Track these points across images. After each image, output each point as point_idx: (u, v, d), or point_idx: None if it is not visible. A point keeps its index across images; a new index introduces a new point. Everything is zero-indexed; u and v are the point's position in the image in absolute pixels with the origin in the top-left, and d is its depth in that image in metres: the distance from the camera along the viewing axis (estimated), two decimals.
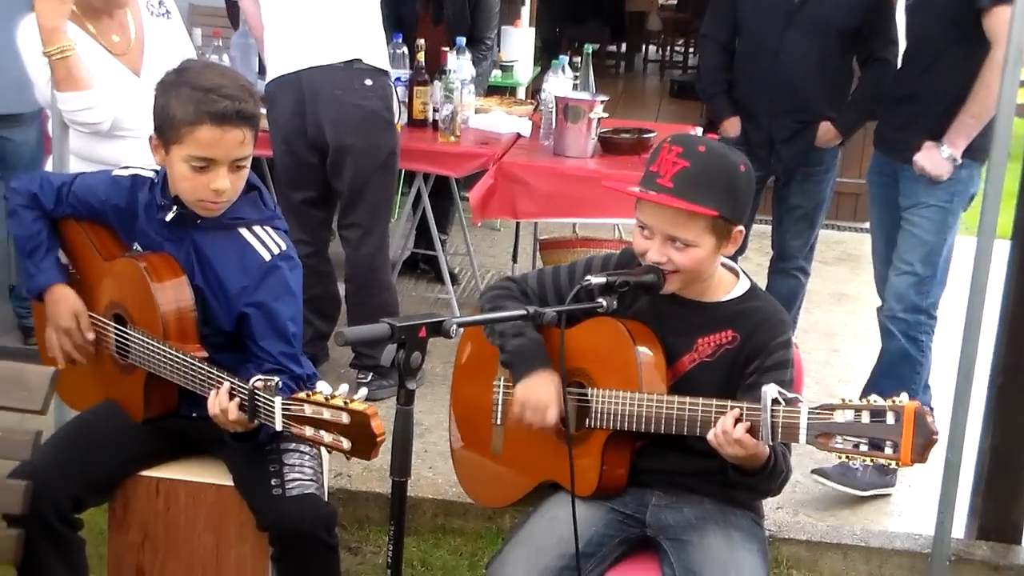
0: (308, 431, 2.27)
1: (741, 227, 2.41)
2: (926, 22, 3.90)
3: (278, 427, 2.33)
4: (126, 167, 2.81)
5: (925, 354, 3.97)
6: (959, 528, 3.65)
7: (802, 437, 2.15)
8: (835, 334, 5.56)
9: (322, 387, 2.30)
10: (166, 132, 2.56)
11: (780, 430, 2.18)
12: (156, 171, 2.73)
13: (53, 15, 3.08)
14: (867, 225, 4.38)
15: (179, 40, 3.49)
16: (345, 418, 2.21)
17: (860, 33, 4.31)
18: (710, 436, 2.27)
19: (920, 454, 2.03)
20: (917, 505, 3.90)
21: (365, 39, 4.18)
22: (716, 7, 4.56)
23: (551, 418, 2.48)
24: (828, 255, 6.62)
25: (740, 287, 2.50)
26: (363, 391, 2.26)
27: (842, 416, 2.10)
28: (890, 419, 2.04)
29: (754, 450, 2.25)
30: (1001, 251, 3.34)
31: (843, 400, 2.12)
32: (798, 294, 4.65)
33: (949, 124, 3.76)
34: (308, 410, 2.27)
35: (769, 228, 4.71)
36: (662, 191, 2.33)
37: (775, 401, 2.18)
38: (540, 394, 2.49)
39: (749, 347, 2.42)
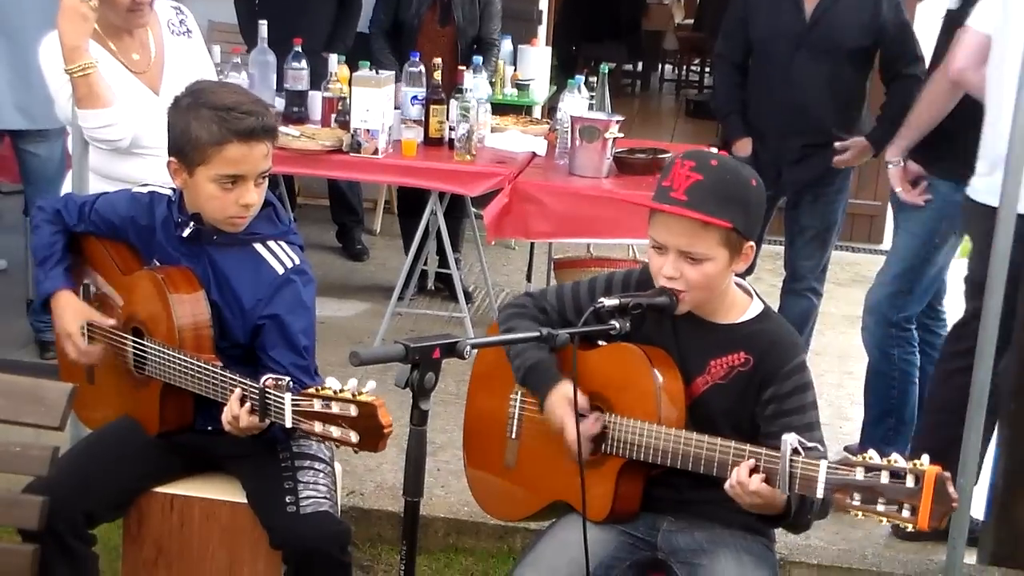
0: (317, 427, 2.31)
1: (752, 243, 2.41)
2: (941, 40, 3.94)
3: (288, 424, 2.37)
4: (144, 185, 2.85)
5: (897, 367, 3.98)
6: (971, 554, 3.65)
7: (820, 490, 2.13)
8: (848, 356, 5.54)
9: (331, 382, 2.33)
10: (189, 154, 2.59)
11: (798, 481, 2.17)
12: (173, 188, 2.76)
13: (75, 33, 3.11)
14: (881, 247, 4.40)
15: (199, 59, 3.52)
16: (353, 410, 2.24)
17: (870, 54, 4.32)
18: (727, 486, 2.27)
19: (939, 520, 2.00)
20: None
21: None
22: (729, 27, 4.57)
23: (570, 430, 2.44)
24: (842, 276, 6.61)
25: (753, 309, 2.50)
26: (371, 384, 2.28)
27: (861, 473, 2.06)
28: (910, 482, 2.01)
29: (771, 498, 2.24)
30: None
31: (863, 457, 2.08)
32: (811, 315, 4.65)
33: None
34: (317, 405, 2.30)
35: (781, 248, 4.71)
36: (676, 204, 2.33)
37: (795, 451, 2.17)
38: (561, 410, 2.48)
39: (763, 371, 2.42)
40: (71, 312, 2.82)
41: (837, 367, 5.39)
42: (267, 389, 2.42)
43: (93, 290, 2.90)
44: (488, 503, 2.82)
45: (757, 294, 2.53)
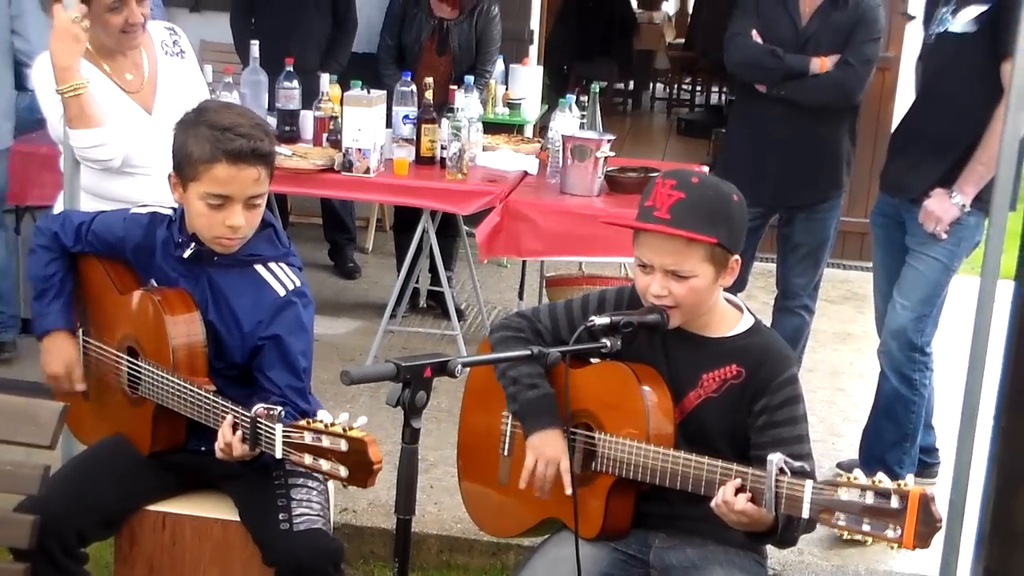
0: (307, 459, 2.30)
1: (737, 257, 2.43)
2: (945, 62, 3.89)
3: (278, 455, 2.37)
4: (144, 205, 2.86)
5: (918, 392, 3.98)
6: (964, 570, 3.64)
7: (805, 510, 2.14)
8: (840, 373, 5.56)
9: (323, 415, 2.33)
10: (184, 169, 2.61)
11: (783, 501, 2.18)
12: (174, 209, 2.77)
13: (66, 54, 3.12)
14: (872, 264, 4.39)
15: (192, 79, 3.53)
16: (343, 445, 2.24)
17: None
18: (712, 505, 2.27)
19: (923, 540, 2.00)
20: None
21: None
22: (744, 10, 4.46)
23: (563, 469, 2.49)
24: (833, 294, 6.63)
25: (744, 322, 2.51)
26: (362, 419, 2.28)
27: (846, 493, 2.07)
28: (895, 502, 2.02)
29: (757, 517, 2.25)
30: (1004, 291, 3.36)
31: (848, 477, 2.09)
32: (803, 332, 4.65)
33: (961, 171, 3.78)
34: (308, 437, 2.30)
35: (773, 266, 4.72)
36: (660, 222, 2.36)
37: (780, 471, 2.18)
38: (555, 449, 2.50)
39: (755, 383, 2.43)
40: (58, 355, 2.84)
41: (829, 384, 5.40)
42: (259, 419, 2.41)
43: (86, 311, 2.90)
44: (481, 518, 2.83)
45: (747, 308, 2.55)
